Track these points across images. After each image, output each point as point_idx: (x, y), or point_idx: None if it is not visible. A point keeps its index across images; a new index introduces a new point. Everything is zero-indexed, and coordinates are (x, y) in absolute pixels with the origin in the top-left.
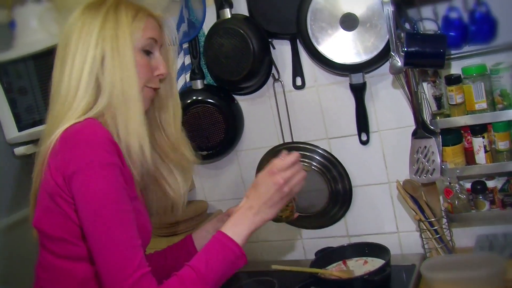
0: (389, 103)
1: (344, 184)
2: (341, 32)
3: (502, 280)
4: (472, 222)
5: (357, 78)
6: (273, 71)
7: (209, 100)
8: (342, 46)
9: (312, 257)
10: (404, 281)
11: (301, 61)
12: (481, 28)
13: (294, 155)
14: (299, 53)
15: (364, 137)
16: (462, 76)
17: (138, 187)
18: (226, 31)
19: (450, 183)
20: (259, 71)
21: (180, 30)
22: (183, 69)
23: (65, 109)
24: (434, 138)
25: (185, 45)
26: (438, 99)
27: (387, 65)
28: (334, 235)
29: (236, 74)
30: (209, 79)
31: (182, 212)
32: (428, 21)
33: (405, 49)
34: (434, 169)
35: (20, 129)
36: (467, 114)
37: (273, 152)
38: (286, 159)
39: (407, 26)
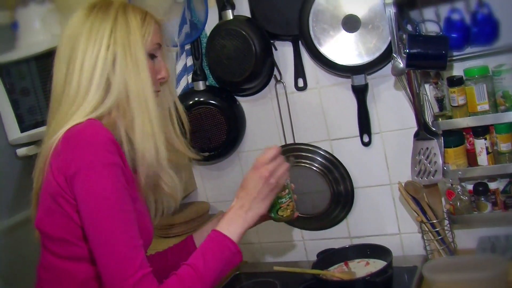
0: (391, 105)
1: (346, 186)
2: (343, 33)
3: (504, 281)
4: (474, 224)
5: (359, 80)
6: (275, 72)
7: (211, 101)
8: (344, 48)
9: (314, 258)
10: (406, 282)
11: (303, 62)
12: (483, 30)
13: (275, 148)
14: (301, 54)
15: (366, 139)
16: (464, 77)
17: (140, 188)
18: (228, 33)
19: (452, 184)
20: (261, 73)
21: (182, 31)
22: (185, 70)
23: (73, 109)
24: (436, 140)
25: (187, 47)
26: (440, 101)
27: (389, 66)
28: (336, 236)
29: (238, 76)
30: (211, 81)
31: (179, 211)
32: (430, 23)
33: (407, 50)
34: (436, 171)
35: (22, 130)
36: (469, 116)
37: None
38: (267, 153)
39: (409, 27)
